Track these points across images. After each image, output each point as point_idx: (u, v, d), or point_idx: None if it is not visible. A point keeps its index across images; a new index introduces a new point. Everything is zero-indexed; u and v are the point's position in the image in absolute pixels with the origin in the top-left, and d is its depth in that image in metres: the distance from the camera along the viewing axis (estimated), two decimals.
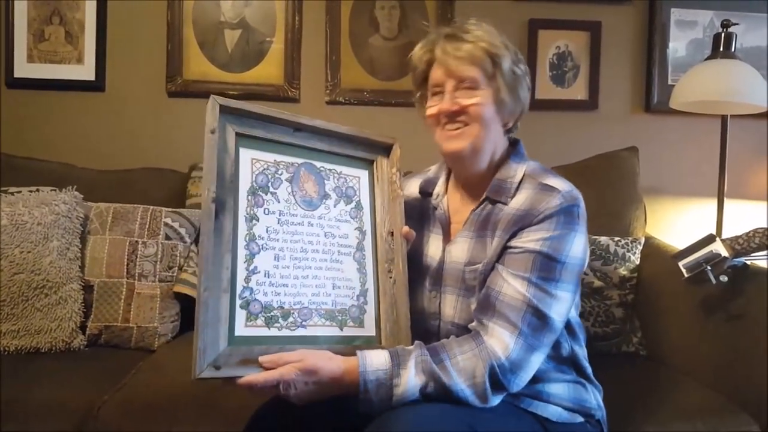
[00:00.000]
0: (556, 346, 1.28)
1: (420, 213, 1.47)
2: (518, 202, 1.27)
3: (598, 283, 2.02)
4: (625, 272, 2.05)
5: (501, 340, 1.16)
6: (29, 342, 1.84)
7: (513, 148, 1.38)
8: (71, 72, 2.46)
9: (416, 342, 1.20)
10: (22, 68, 2.44)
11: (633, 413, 1.53)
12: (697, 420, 1.53)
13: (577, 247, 1.22)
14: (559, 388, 1.30)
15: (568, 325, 1.30)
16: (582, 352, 1.36)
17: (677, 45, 2.63)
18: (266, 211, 1.22)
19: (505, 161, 1.35)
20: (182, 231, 2.03)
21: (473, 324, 1.23)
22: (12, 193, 2.01)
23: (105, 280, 1.95)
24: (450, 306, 1.34)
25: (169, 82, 2.48)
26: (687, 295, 1.86)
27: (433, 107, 1.32)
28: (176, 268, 2.00)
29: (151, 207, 2.06)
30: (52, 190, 2.05)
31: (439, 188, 1.46)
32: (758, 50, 2.63)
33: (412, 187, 1.51)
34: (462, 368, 1.13)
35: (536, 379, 1.23)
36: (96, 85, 2.47)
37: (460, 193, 1.42)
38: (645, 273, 2.07)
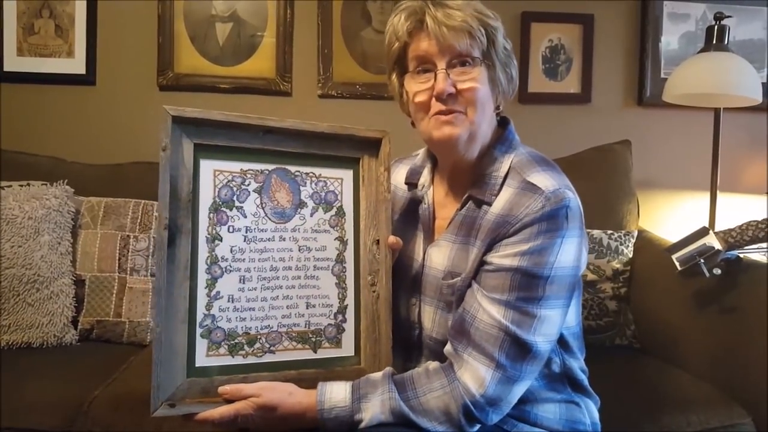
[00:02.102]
0: (547, 362, 1.16)
1: (405, 206, 1.34)
2: (500, 203, 1.13)
3: (591, 276, 2.03)
4: (618, 265, 2.05)
5: (476, 374, 1.05)
6: (21, 337, 1.84)
7: (501, 132, 1.22)
8: (62, 66, 2.44)
9: (384, 371, 1.11)
10: (12, 62, 2.41)
11: (626, 406, 1.53)
12: (690, 412, 1.53)
13: (567, 255, 1.08)
14: (549, 409, 1.19)
15: (560, 339, 1.17)
16: (577, 364, 1.23)
17: (670, 38, 2.63)
18: (231, 229, 1.12)
19: (488, 150, 1.19)
20: None
21: (448, 349, 1.12)
22: (2, 188, 1.99)
23: (96, 274, 1.95)
24: (429, 319, 1.22)
25: (160, 76, 2.45)
26: (680, 288, 1.86)
27: (422, 91, 1.15)
28: None
29: (143, 201, 2.04)
30: (42, 184, 2.03)
31: (424, 178, 1.32)
32: (751, 43, 2.64)
33: (399, 176, 1.37)
34: (433, 407, 1.06)
35: (525, 399, 1.14)
36: (87, 79, 2.44)
37: (446, 184, 1.28)
38: (638, 266, 2.08)
